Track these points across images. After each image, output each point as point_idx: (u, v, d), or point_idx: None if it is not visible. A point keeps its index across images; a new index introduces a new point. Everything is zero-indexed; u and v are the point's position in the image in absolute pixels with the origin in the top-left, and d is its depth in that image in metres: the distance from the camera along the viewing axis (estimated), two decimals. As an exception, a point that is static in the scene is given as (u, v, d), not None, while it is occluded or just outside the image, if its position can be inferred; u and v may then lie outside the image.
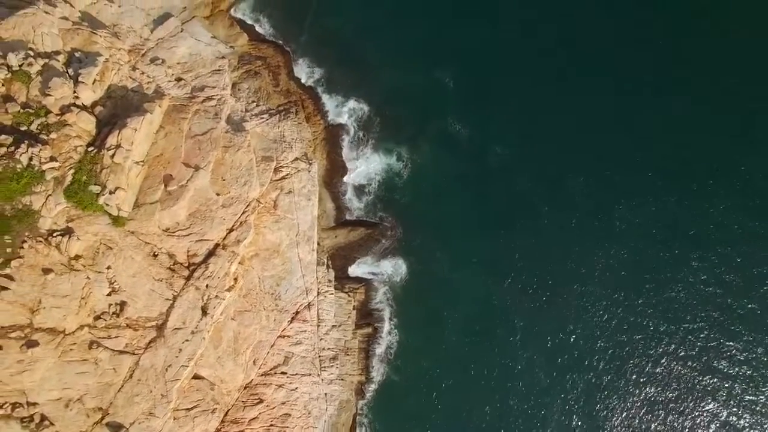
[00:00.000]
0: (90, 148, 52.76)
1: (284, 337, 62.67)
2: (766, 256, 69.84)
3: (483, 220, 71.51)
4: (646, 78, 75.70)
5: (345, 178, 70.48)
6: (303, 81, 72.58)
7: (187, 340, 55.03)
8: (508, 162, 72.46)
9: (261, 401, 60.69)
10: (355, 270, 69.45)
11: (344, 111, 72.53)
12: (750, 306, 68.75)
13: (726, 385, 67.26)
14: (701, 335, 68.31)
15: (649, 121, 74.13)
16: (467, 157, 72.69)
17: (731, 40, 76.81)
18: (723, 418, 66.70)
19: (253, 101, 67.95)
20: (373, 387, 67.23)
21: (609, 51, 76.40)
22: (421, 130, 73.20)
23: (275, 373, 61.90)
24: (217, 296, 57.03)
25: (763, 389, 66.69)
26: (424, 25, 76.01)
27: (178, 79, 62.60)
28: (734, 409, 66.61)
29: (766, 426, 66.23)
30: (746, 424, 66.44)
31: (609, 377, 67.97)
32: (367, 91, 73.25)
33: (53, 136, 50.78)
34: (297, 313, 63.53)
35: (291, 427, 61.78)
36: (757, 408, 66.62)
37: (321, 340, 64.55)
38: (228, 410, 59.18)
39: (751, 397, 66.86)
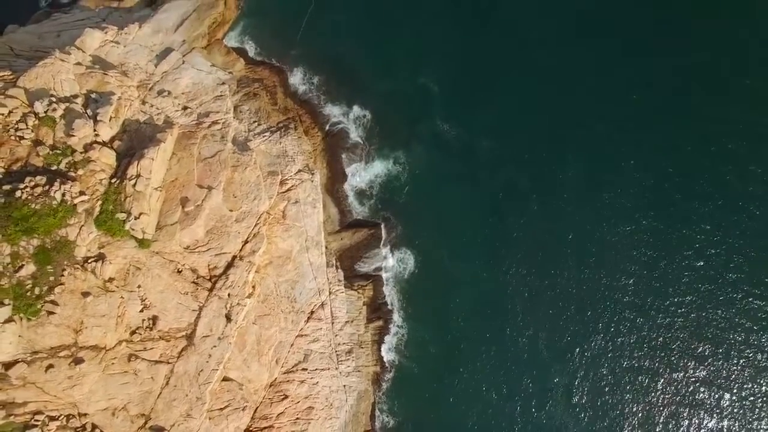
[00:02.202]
0: (113, 180, 55.28)
1: (302, 336, 65.28)
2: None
3: (478, 211, 74.16)
4: (624, 70, 78.99)
5: (345, 184, 72.95)
6: (299, 97, 75.04)
7: (215, 346, 57.75)
8: (496, 154, 75.24)
9: (286, 397, 63.40)
10: (362, 268, 71.63)
11: (340, 121, 75.03)
12: (740, 276, 72.06)
13: (726, 360, 69.92)
14: (697, 309, 71.20)
15: (629, 110, 77.59)
16: (457, 153, 75.46)
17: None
18: (720, 396, 69.33)
19: (255, 121, 70.53)
20: (388, 376, 69.67)
21: (584, 43, 79.76)
22: (412, 133, 75.82)
23: (297, 370, 64.51)
24: (238, 303, 59.63)
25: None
26: (407, 35, 78.73)
27: (185, 108, 65.13)
28: (735, 391, 69.35)
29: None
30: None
31: (607, 352, 70.62)
32: (359, 101, 75.80)
33: (80, 172, 53.39)
34: (312, 312, 66.15)
35: (315, 419, 64.27)
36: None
37: (336, 336, 67.20)
38: (257, 407, 61.72)
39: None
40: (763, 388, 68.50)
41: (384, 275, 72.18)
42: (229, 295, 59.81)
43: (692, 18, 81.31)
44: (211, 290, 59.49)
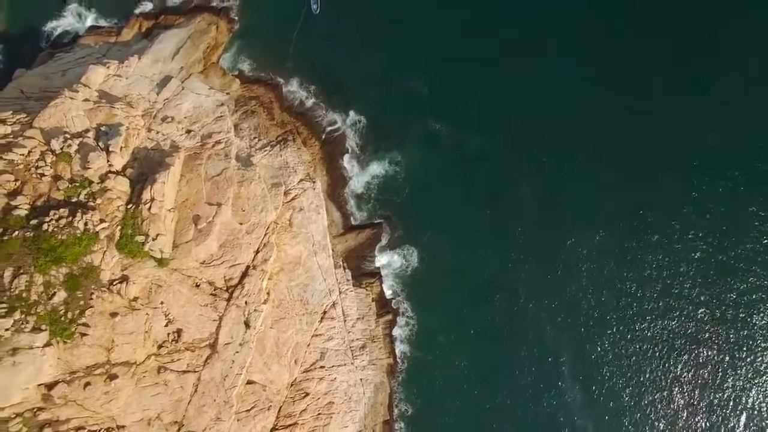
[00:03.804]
0: (129, 206, 57.51)
1: (317, 335, 67.93)
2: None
3: (474, 203, 77.24)
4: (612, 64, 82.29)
5: (345, 189, 75.88)
6: (294, 109, 77.51)
7: (237, 352, 60.13)
8: (487, 148, 78.38)
9: (307, 394, 66.17)
10: (368, 266, 74.61)
11: (336, 129, 77.82)
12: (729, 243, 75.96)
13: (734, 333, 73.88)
14: (695, 285, 75.09)
15: (615, 100, 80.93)
16: (451, 150, 78.52)
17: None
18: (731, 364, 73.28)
19: (255, 137, 73.07)
20: (401, 367, 72.76)
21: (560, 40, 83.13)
22: (406, 134, 78.78)
23: (315, 368, 67.25)
24: (255, 310, 62.07)
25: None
26: (395, 41, 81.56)
27: (188, 131, 67.43)
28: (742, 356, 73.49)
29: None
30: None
31: (605, 326, 74.34)
32: (353, 107, 78.67)
33: (99, 201, 55.47)
34: (324, 313, 68.75)
35: (336, 413, 67.06)
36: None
37: (349, 333, 69.93)
38: (281, 407, 64.50)
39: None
40: None
41: (389, 271, 74.95)
42: (246, 303, 62.21)
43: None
44: (228, 300, 61.93)
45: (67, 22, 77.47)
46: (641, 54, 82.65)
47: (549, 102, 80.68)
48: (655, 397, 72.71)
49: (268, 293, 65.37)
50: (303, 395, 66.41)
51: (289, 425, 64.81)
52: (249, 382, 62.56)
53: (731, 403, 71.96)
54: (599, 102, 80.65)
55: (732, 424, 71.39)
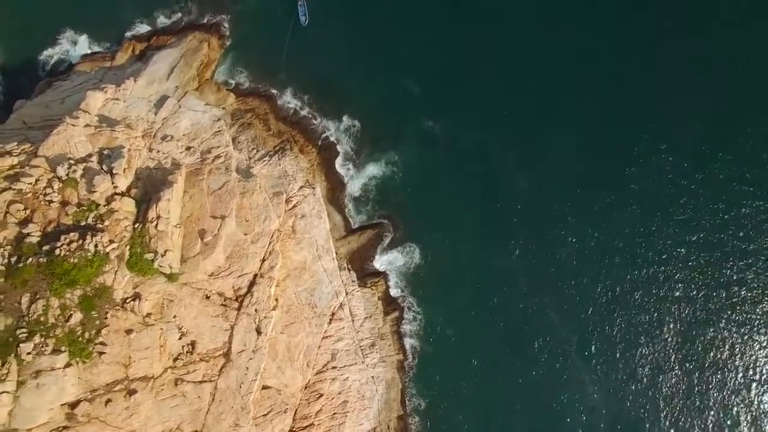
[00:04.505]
0: (136, 225, 58.69)
1: (327, 337, 69.54)
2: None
3: (472, 196, 79.23)
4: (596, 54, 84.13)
5: (344, 192, 77.39)
6: (289, 119, 78.72)
7: (250, 359, 61.58)
8: (480, 142, 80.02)
9: (321, 395, 67.84)
10: (372, 266, 76.15)
11: (331, 134, 79.18)
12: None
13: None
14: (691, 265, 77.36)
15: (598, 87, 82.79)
16: (444, 146, 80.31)
17: None
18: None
19: (253, 148, 74.34)
20: (411, 361, 74.25)
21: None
22: (399, 134, 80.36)
23: (327, 369, 68.97)
24: (265, 317, 63.45)
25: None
26: (383, 44, 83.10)
27: (188, 148, 68.62)
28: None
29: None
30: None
31: (610, 306, 76.60)
32: (346, 112, 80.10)
33: (107, 223, 56.68)
34: (333, 314, 70.31)
35: (351, 411, 68.88)
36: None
37: (358, 332, 71.51)
38: (296, 409, 66.11)
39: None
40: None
41: (393, 269, 76.45)
42: (255, 310, 63.60)
43: None
44: (239, 309, 63.36)
45: (61, 49, 78.29)
46: (624, 41, 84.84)
47: (540, 93, 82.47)
48: (667, 376, 75.00)
49: (276, 300, 66.62)
50: (317, 396, 67.96)
51: (306, 426, 66.40)
52: (264, 387, 63.92)
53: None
54: (591, 90, 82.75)
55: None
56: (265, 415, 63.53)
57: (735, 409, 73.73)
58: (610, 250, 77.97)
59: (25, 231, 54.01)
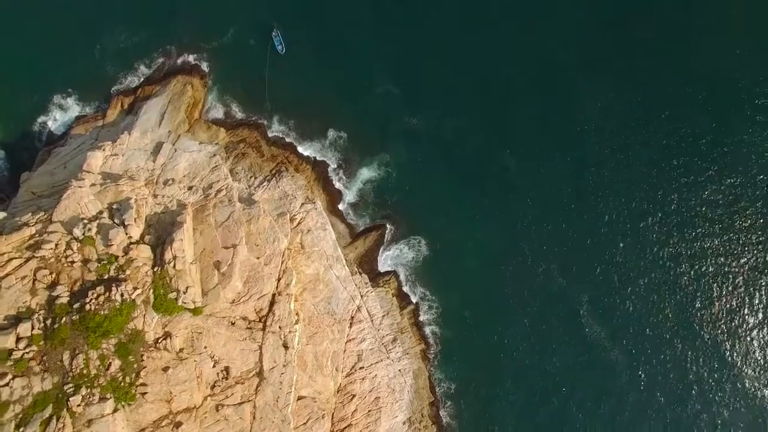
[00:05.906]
0: (155, 269, 60.75)
1: (350, 340, 72.66)
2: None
3: (465, 183, 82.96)
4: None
5: (344, 200, 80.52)
6: (279, 142, 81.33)
7: (282, 373, 64.19)
8: (462, 132, 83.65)
9: (354, 396, 71.10)
10: (381, 266, 79.39)
11: (322, 149, 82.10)
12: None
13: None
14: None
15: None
16: (430, 140, 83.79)
17: None
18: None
19: (251, 176, 76.97)
20: (434, 349, 77.63)
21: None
22: (386, 136, 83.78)
23: (355, 371, 72.22)
24: (290, 332, 66.13)
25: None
26: (357, 55, 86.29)
27: (190, 188, 70.66)
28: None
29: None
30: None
31: (617, 268, 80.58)
32: (333, 124, 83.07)
33: (128, 272, 58.89)
34: (352, 318, 73.41)
35: (384, 406, 72.19)
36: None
37: (378, 330, 74.61)
38: (333, 413, 69.26)
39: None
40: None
41: (402, 264, 79.62)
42: (279, 327, 66.30)
43: None
44: (264, 329, 65.99)
45: (52, 116, 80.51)
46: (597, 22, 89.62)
47: (512, 73, 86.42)
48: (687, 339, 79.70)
49: (297, 314, 69.29)
50: (350, 397, 71.30)
51: (345, 428, 69.76)
52: (300, 398, 66.90)
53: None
54: (563, 61, 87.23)
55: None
56: (305, 423, 66.52)
57: None
58: (606, 210, 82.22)
59: (54, 294, 56.84)
